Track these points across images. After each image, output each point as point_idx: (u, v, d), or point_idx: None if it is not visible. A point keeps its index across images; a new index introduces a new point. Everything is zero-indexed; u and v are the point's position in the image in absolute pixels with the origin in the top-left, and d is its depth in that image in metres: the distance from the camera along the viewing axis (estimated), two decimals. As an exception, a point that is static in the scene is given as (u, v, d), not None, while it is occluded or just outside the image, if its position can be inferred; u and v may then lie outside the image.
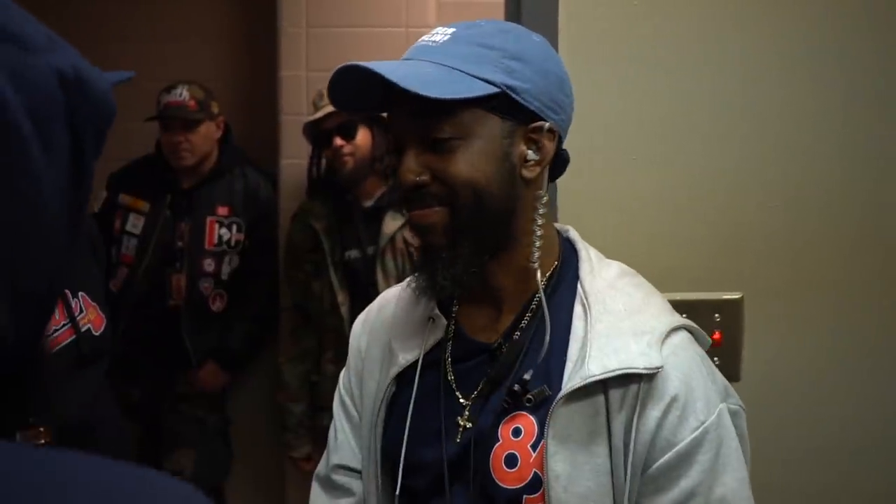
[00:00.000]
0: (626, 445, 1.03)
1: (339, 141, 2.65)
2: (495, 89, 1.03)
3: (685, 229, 1.46)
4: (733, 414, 1.07)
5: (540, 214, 1.09)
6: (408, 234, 2.69)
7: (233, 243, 3.09)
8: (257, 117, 3.33)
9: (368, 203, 2.74)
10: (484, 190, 1.05)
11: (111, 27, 3.38)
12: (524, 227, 1.10)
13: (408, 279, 1.22)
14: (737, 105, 1.46)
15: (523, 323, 1.12)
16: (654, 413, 1.03)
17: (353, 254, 2.74)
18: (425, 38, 1.11)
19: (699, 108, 1.45)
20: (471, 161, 1.04)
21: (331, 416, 2.86)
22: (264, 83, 3.24)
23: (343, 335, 2.70)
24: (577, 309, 1.09)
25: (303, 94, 3.07)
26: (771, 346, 1.48)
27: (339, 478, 1.28)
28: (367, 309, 1.31)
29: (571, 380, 1.03)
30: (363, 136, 2.67)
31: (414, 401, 1.15)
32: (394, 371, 1.17)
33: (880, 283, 1.48)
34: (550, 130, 1.07)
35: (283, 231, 3.05)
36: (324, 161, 2.78)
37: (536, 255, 1.09)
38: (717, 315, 1.44)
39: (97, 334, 1.64)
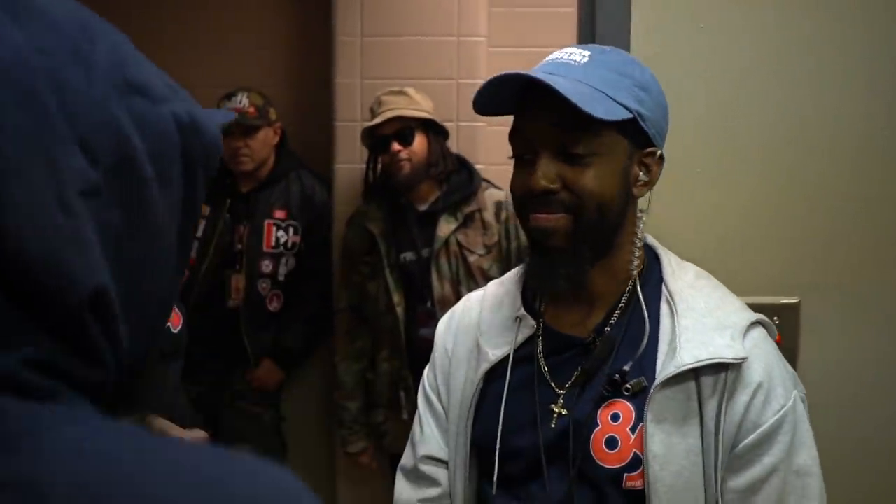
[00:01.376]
0: (717, 427, 1.14)
1: (396, 146, 2.72)
2: (630, 115, 1.14)
3: (747, 236, 1.53)
4: (803, 400, 1.19)
5: (640, 229, 1.22)
6: (462, 238, 2.77)
7: (289, 245, 3.19)
8: (312, 123, 3.41)
9: (423, 207, 2.81)
10: (607, 204, 1.16)
11: (171, 35, 3.48)
12: (626, 237, 1.22)
13: (493, 281, 1.37)
14: (803, 116, 1.52)
15: (613, 319, 1.22)
16: (742, 398, 1.14)
17: (408, 256, 2.81)
18: (560, 55, 1.19)
19: (763, 120, 1.52)
20: (600, 177, 1.15)
21: (384, 414, 2.95)
22: (319, 90, 3.32)
23: (398, 335, 2.79)
24: (664, 307, 1.20)
25: (357, 101, 3.15)
26: (826, 349, 1.54)
27: (426, 468, 1.34)
28: (450, 311, 1.41)
29: (666, 368, 1.14)
30: (420, 142, 2.75)
31: (507, 392, 1.25)
32: (484, 367, 1.26)
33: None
34: (661, 157, 1.20)
35: (337, 234, 3.14)
36: (380, 166, 2.86)
37: (636, 262, 1.22)
38: (776, 318, 1.50)
39: (175, 332, 1.74)
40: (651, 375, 1.16)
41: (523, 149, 1.19)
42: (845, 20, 1.50)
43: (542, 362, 1.25)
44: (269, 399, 3.26)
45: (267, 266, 3.16)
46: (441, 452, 1.34)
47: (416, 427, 1.39)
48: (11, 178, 0.48)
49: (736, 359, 1.13)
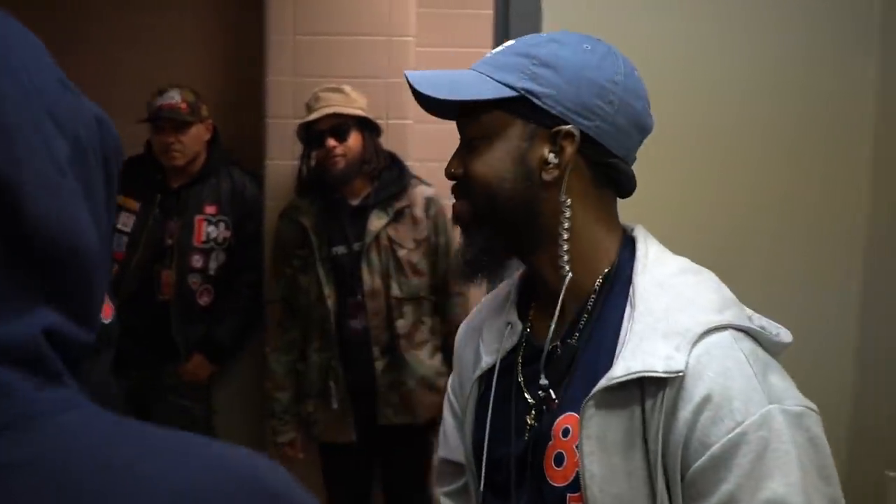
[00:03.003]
0: (662, 447, 1.00)
1: (332, 142, 2.79)
2: (511, 93, 1.08)
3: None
4: (796, 415, 0.99)
5: (567, 218, 1.10)
6: (392, 232, 2.84)
7: (220, 240, 3.22)
8: (244, 120, 3.45)
9: (355, 202, 2.88)
10: (495, 190, 1.10)
11: (101, 32, 3.48)
12: (552, 229, 1.12)
13: (506, 280, 1.29)
14: (706, 116, 1.62)
15: (581, 324, 1.13)
16: (684, 414, 0.99)
17: (340, 250, 2.86)
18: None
19: (672, 120, 1.62)
20: (488, 161, 1.10)
21: (314, 404, 3.00)
22: (251, 88, 3.36)
23: (329, 326, 2.85)
24: (627, 309, 1.08)
25: (288, 99, 3.19)
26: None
27: (446, 468, 1.38)
28: (468, 315, 1.38)
29: (600, 384, 1.03)
30: (354, 139, 2.81)
31: (492, 402, 1.20)
32: (476, 373, 1.24)
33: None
34: (570, 134, 1.08)
35: (268, 229, 3.17)
36: (314, 161, 2.91)
37: (566, 258, 1.11)
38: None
39: (107, 323, 1.77)
40: None
41: None
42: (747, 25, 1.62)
43: (519, 372, 1.19)
44: (200, 392, 3.28)
45: (197, 261, 3.19)
46: (458, 455, 1.32)
47: (441, 428, 1.39)
48: (18, 139, 0.50)
49: (667, 372, 0.99)
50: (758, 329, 1.05)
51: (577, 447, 1.05)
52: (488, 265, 1.15)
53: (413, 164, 3.09)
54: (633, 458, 1.02)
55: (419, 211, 2.89)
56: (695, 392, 0.99)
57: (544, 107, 1.08)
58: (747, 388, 0.99)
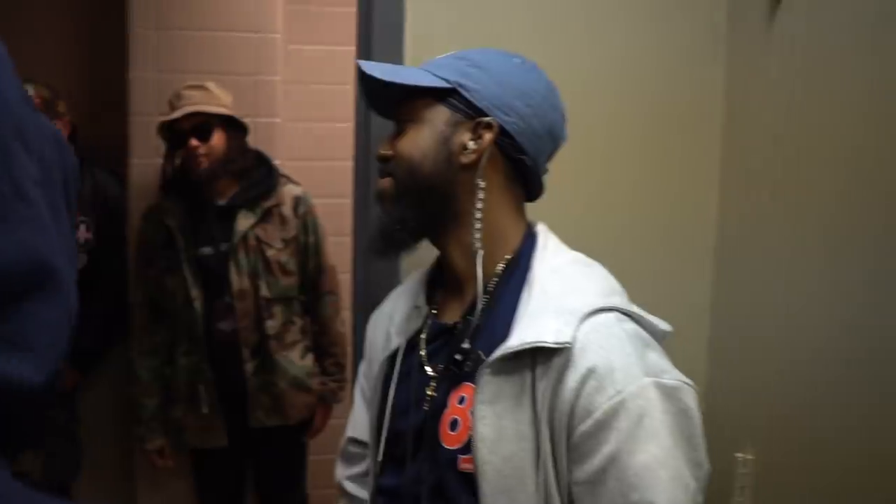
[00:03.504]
0: (549, 414, 1.10)
1: (194, 142, 2.72)
2: (445, 84, 1.22)
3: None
4: (671, 388, 1.10)
5: (481, 199, 1.21)
6: (260, 232, 2.80)
7: (81, 242, 3.10)
8: (107, 118, 3.33)
9: (221, 202, 2.81)
10: (417, 165, 1.21)
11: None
12: (466, 209, 1.23)
13: (415, 272, 1.41)
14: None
15: (481, 304, 1.22)
16: (571, 384, 1.08)
17: (207, 250, 2.80)
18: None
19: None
20: (413, 139, 1.23)
21: (183, 409, 2.95)
22: (114, 84, 3.25)
23: (196, 329, 2.78)
24: (524, 291, 1.19)
25: (152, 96, 3.10)
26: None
27: (352, 448, 1.47)
28: (383, 302, 1.47)
29: (497, 352, 1.12)
30: (218, 138, 2.75)
31: (396, 378, 1.30)
32: (386, 354, 1.34)
33: None
34: (489, 126, 1.20)
35: (132, 229, 3.08)
36: (178, 160, 2.83)
37: (477, 236, 1.22)
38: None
39: None
40: None
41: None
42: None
43: (422, 349, 1.29)
44: (63, 400, 3.16)
45: (57, 264, 3.06)
46: (364, 434, 1.42)
47: (352, 410, 1.48)
48: None
49: (557, 343, 1.09)
50: (641, 314, 1.17)
51: (471, 412, 1.15)
52: (399, 239, 1.26)
53: (282, 163, 3.06)
54: (521, 422, 1.12)
55: (288, 210, 2.86)
56: (581, 363, 1.09)
57: (471, 99, 1.21)
58: (627, 363, 1.09)
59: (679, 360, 1.20)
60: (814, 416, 1.63)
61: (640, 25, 1.86)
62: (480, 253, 1.22)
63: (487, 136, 1.21)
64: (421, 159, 1.21)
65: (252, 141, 2.94)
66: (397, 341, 1.32)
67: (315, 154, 3.48)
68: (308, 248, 2.89)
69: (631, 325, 1.15)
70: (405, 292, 1.40)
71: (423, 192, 1.22)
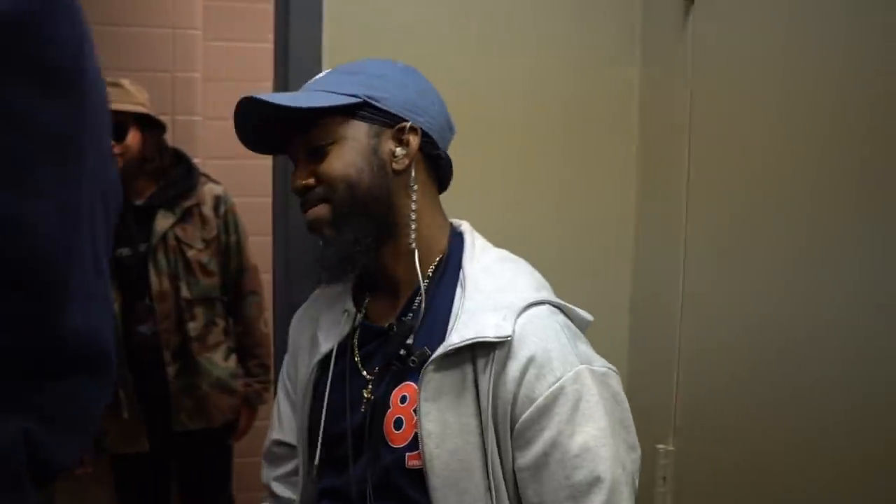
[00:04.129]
0: (492, 404, 1.15)
1: (108, 141, 2.66)
2: (355, 99, 1.23)
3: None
4: (602, 374, 1.19)
5: (414, 201, 1.26)
6: (180, 232, 2.75)
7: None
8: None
9: (139, 201, 2.75)
10: (355, 181, 1.23)
11: None
12: (403, 213, 1.26)
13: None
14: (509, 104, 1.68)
15: (414, 305, 1.27)
16: (512, 374, 1.15)
17: (125, 251, 2.73)
18: (308, 83, 1.31)
19: (459, 102, 1.68)
20: (341, 157, 1.23)
21: (103, 414, 2.87)
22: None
23: (116, 332, 2.71)
24: (458, 291, 1.24)
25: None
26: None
27: (278, 450, 1.47)
28: (303, 304, 1.48)
29: (441, 349, 1.17)
30: (133, 137, 2.68)
31: (330, 382, 1.32)
32: (316, 359, 1.34)
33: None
34: (413, 129, 1.25)
35: (47, 231, 3.00)
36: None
37: (413, 236, 1.26)
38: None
39: None
40: None
41: (294, 163, 1.29)
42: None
43: (355, 352, 1.31)
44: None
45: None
46: (291, 436, 1.43)
47: (273, 412, 1.49)
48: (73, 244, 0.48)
49: (498, 337, 1.14)
50: (568, 306, 1.25)
51: (414, 411, 1.19)
52: (358, 259, 1.25)
53: (202, 162, 3.01)
54: (465, 415, 1.17)
55: (208, 209, 2.81)
56: (521, 353, 1.15)
57: (384, 107, 1.24)
58: (563, 351, 1.16)
59: (600, 355, 1.24)
60: (729, 407, 1.67)
61: (557, 25, 1.88)
62: (417, 254, 1.26)
63: (414, 139, 1.25)
64: (358, 175, 1.23)
65: (171, 139, 2.88)
66: (327, 346, 1.33)
67: (235, 153, 3.41)
68: (230, 248, 2.85)
69: (562, 318, 1.22)
70: (329, 296, 1.40)
71: (369, 206, 1.24)
